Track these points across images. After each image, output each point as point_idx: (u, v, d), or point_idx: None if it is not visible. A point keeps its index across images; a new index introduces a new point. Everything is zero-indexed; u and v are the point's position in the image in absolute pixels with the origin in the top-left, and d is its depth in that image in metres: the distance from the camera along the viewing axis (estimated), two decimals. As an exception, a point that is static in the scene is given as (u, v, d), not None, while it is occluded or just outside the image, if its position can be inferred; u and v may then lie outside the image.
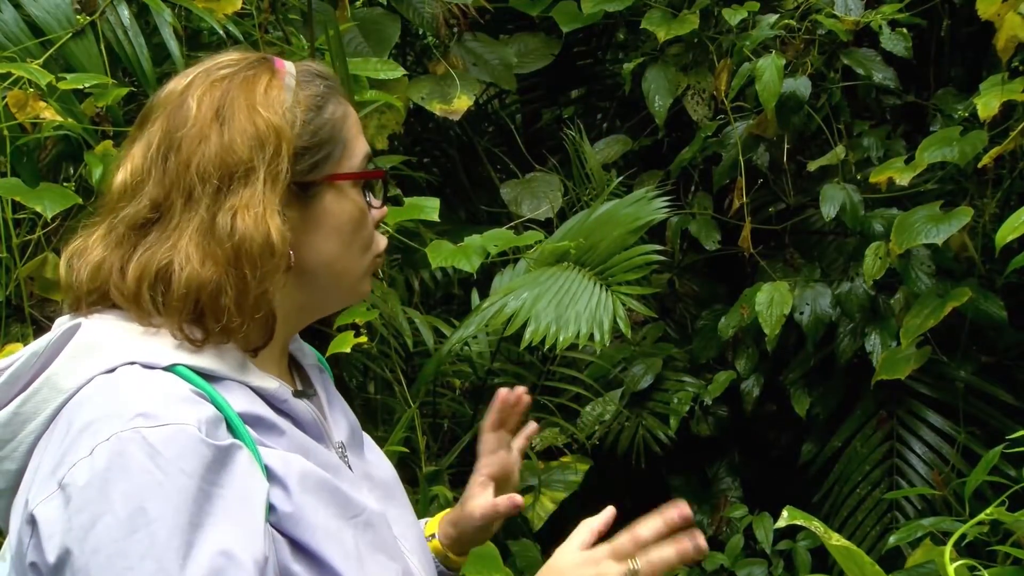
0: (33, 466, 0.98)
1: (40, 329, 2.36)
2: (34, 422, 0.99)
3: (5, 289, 2.24)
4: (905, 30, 3.42)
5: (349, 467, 1.15)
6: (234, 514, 0.93)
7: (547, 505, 3.12)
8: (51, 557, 0.90)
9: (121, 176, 1.08)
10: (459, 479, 3.28)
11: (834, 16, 3.44)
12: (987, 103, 2.87)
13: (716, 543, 3.66)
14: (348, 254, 1.13)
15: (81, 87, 2.31)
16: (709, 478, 3.86)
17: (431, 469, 2.82)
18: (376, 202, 1.17)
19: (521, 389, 1.41)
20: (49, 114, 2.21)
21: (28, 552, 0.93)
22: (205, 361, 1.02)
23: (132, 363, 0.99)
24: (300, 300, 1.12)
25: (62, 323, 1.05)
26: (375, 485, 1.19)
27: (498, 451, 1.40)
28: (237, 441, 0.97)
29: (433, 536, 1.40)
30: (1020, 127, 2.87)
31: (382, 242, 1.19)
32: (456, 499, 2.85)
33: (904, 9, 3.42)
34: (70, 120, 2.29)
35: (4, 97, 2.20)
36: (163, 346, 1.01)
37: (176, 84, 1.10)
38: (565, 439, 3.32)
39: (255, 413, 1.03)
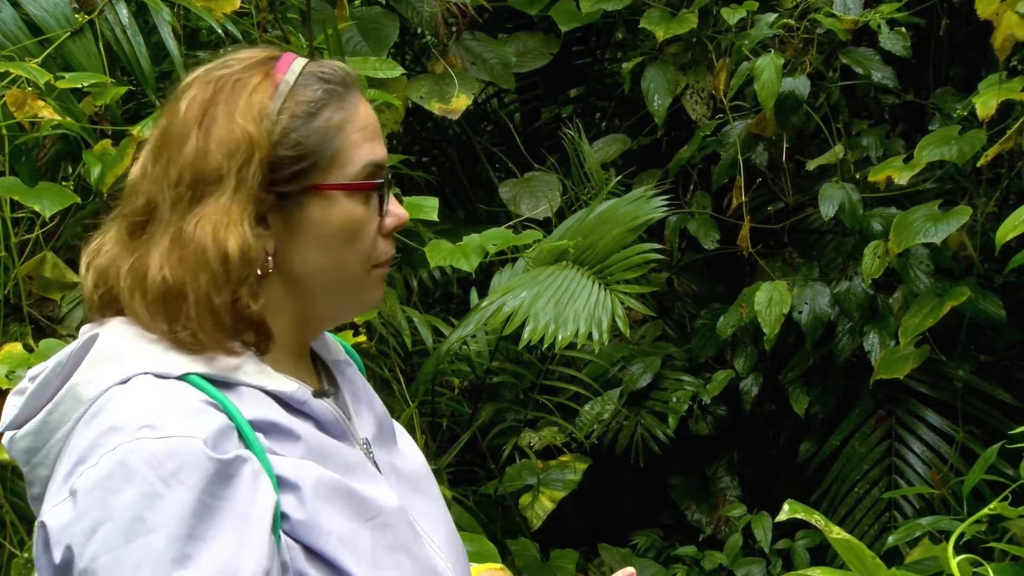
0: (55, 473, 0.99)
1: (39, 328, 2.37)
2: (60, 431, 0.99)
3: (4, 288, 2.24)
4: (904, 29, 3.42)
5: (375, 463, 1.14)
6: (235, 528, 0.93)
7: (546, 504, 3.12)
8: (56, 560, 0.92)
9: (132, 173, 1.09)
10: (458, 478, 3.29)
11: (833, 15, 3.44)
12: (985, 102, 2.87)
13: (715, 542, 3.66)
14: (341, 264, 1.09)
15: (80, 86, 2.31)
16: (708, 477, 3.86)
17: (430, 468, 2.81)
18: (385, 209, 1.11)
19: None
20: (47, 113, 2.21)
21: (40, 555, 0.95)
22: (218, 369, 1.02)
23: (145, 373, 0.99)
24: (300, 308, 1.10)
25: (85, 332, 1.06)
26: (402, 479, 1.18)
27: None
28: (244, 453, 0.96)
29: None
30: (1018, 126, 2.87)
31: (386, 251, 1.14)
32: (455, 499, 2.86)
33: (903, 8, 3.42)
34: (68, 119, 2.29)
35: (3, 96, 2.20)
36: (176, 355, 1.01)
37: (184, 80, 1.09)
38: (564, 438, 3.32)
39: (268, 419, 1.02)
